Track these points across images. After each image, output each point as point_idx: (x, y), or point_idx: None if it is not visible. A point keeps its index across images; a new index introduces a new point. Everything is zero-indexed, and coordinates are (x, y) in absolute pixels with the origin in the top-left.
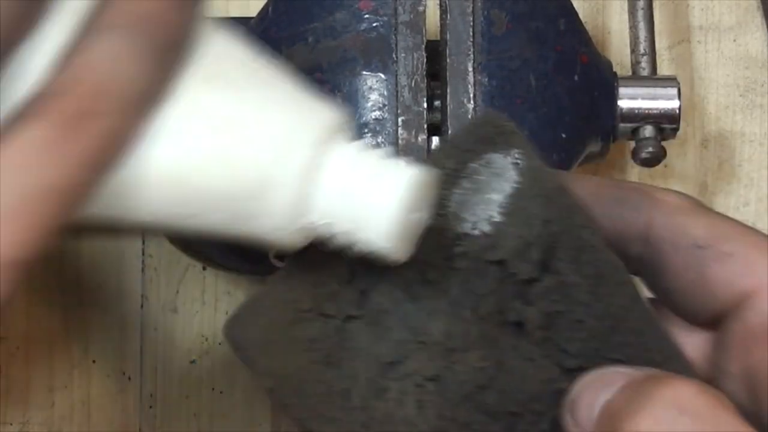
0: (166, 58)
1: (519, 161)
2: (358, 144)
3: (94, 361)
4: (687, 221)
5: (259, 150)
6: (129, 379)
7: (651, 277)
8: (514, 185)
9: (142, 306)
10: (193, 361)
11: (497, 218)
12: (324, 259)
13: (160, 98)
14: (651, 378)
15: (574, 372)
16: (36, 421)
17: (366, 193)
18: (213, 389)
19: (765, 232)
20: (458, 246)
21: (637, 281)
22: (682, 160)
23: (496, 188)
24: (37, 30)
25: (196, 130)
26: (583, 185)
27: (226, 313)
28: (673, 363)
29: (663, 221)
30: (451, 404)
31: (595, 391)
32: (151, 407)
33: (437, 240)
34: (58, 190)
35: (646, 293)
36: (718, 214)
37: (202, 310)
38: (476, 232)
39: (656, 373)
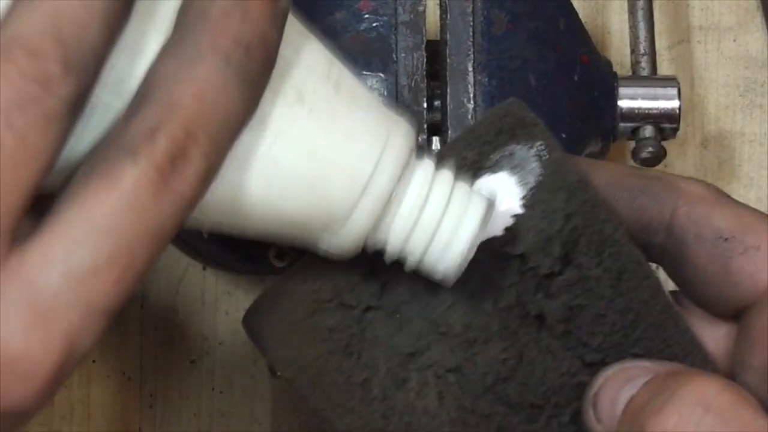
0: (261, 81)
1: (542, 153)
2: (429, 165)
3: (94, 361)
4: (711, 212)
5: (346, 179)
6: (129, 379)
7: (673, 267)
8: (537, 178)
9: (142, 306)
10: (193, 361)
11: (519, 211)
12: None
13: (249, 120)
14: (675, 374)
15: (595, 365)
16: (36, 421)
17: (440, 226)
18: (213, 389)
19: None
20: None
21: (659, 272)
22: (682, 160)
23: (518, 180)
24: (124, 37)
25: (285, 158)
26: (606, 173)
27: (226, 313)
28: (695, 357)
29: (687, 211)
30: (472, 396)
31: (618, 385)
32: (151, 407)
33: None
34: (157, 233)
35: (668, 284)
36: (743, 204)
37: (202, 310)
38: (498, 225)
39: (679, 368)
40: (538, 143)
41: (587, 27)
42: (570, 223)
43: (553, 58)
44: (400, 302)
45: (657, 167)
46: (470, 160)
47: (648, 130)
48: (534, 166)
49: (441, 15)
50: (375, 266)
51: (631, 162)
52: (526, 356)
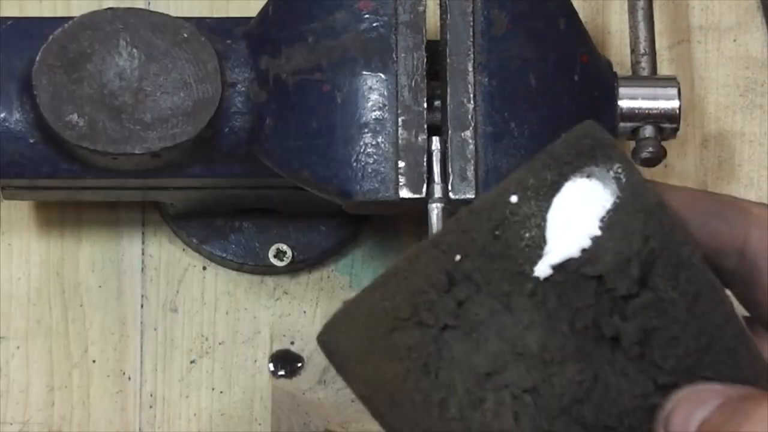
0: None
1: (620, 176)
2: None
3: (94, 361)
4: None
5: None
6: (129, 379)
7: (744, 292)
8: (615, 200)
9: (142, 306)
10: (193, 361)
11: (597, 232)
12: (422, 267)
13: None
14: (747, 397)
15: (668, 388)
16: (36, 421)
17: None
18: (213, 389)
19: None
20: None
21: (730, 295)
22: (682, 160)
23: (596, 202)
24: None
25: None
26: (679, 196)
27: (227, 313)
28: (765, 381)
29: (759, 237)
30: (548, 416)
31: (691, 407)
32: (151, 407)
33: (535, 251)
34: None
35: (739, 310)
36: None
37: (202, 310)
38: (575, 245)
39: (751, 391)
40: (617, 165)
41: (587, 27)
42: (648, 245)
43: (553, 58)
44: (476, 321)
45: (657, 167)
46: (550, 181)
47: (648, 130)
48: (612, 188)
49: (441, 15)
50: (452, 283)
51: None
52: (600, 378)
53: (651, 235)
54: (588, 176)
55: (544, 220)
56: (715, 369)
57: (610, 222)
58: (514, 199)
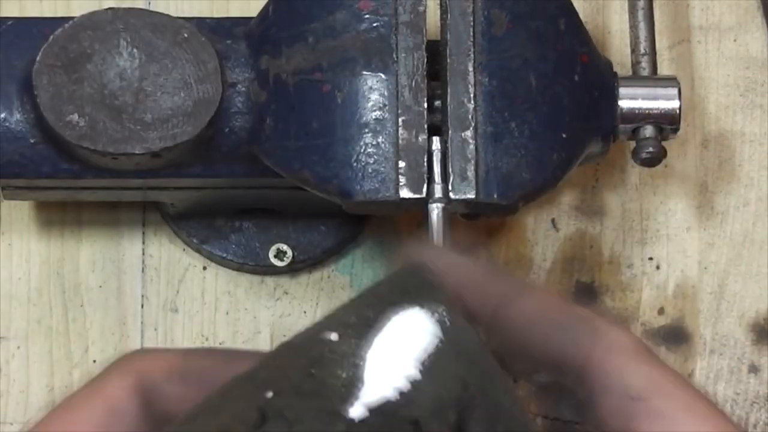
0: None
1: (444, 318)
2: None
3: (94, 361)
4: (626, 366)
5: None
6: None
7: (581, 406)
8: (438, 343)
9: (142, 306)
10: None
11: (417, 375)
12: (233, 402)
13: None
14: None
15: None
16: (36, 421)
17: None
18: None
19: (765, 232)
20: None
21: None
22: (682, 160)
23: (417, 344)
24: None
25: None
26: (534, 301)
27: (227, 313)
28: None
29: (601, 360)
30: None
31: None
32: None
33: (350, 390)
34: None
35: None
36: (662, 363)
37: (202, 310)
38: (392, 387)
39: None
40: (441, 308)
41: (587, 27)
42: (467, 392)
43: (553, 58)
44: None
45: (657, 167)
46: (372, 320)
47: (648, 130)
48: (436, 330)
49: (441, 15)
50: (263, 420)
51: (632, 162)
52: None
53: (471, 382)
54: (410, 318)
55: (362, 359)
56: None
57: (430, 365)
58: (333, 336)
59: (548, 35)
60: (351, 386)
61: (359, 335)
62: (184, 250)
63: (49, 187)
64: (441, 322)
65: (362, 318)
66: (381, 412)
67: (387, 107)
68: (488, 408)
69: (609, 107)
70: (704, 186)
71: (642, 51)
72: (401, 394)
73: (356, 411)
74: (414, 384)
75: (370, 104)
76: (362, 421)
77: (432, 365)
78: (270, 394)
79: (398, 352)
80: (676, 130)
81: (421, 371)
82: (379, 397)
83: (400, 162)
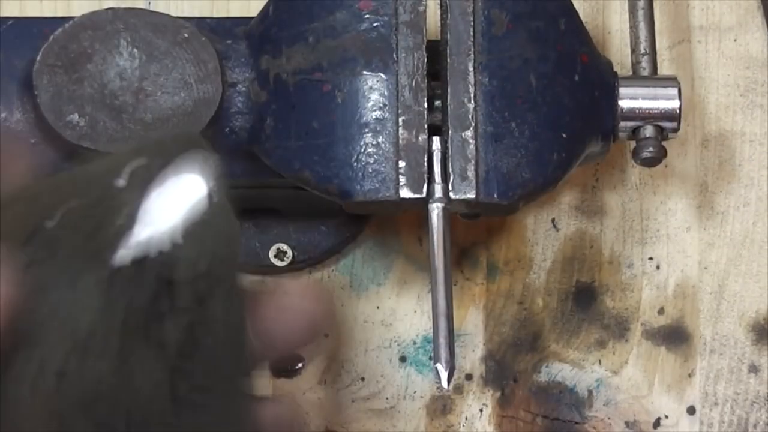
0: None
1: (213, 193)
2: None
3: None
4: None
5: None
6: None
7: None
8: (203, 216)
9: None
10: None
11: (179, 240)
12: (13, 215)
13: None
14: None
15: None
16: None
17: None
18: None
19: (765, 232)
20: (129, 249)
21: None
22: (682, 160)
23: (188, 212)
24: None
25: None
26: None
27: None
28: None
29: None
30: (64, 407)
31: None
32: None
33: (120, 240)
34: None
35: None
36: None
37: None
38: (155, 245)
39: None
40: (214, 183)
41: (587, 27)
42: (216, 270)
43: (554, 58)
44: (39, 286)
45: (657, 167)
46: (155, 174)
47: (648, 130)
48: (204, 204)
49: (441, 15)
50: (30, 240)
51: (632, 162)
52: (131, 382)
53: (222, 261)
54: (189, 184)
55: (137, 211)
56: (225, 396)
57: (192, 235)
58: (121, 183)
59: (548, 35)
60: (121, 235)
61: (141, 188)
62: None
63: None
64: (210, 197)
65: (148, 168)
66: (141, 266)
67: (387, 107)
68: (226, 286)
69: (609, 107)
70: (704, 186)
71: (642, 51)
72: (160, 254)
73: (119, 259)
74: (175, 247)
75: (370, 104)
76: (120, 271)
77: (193, 235)
78: (49, 223)
79: (169, 213)
80: (676, 130)
81: (184, 237)
82: (141, 252)
83: (400, 162)
